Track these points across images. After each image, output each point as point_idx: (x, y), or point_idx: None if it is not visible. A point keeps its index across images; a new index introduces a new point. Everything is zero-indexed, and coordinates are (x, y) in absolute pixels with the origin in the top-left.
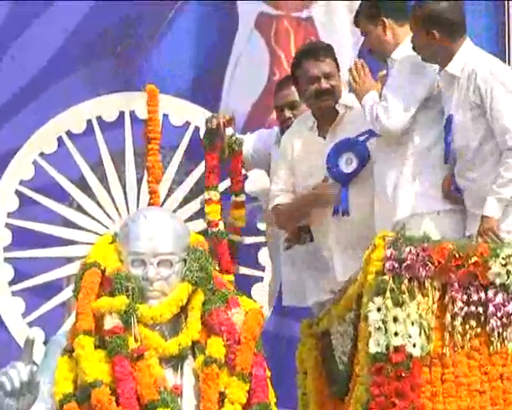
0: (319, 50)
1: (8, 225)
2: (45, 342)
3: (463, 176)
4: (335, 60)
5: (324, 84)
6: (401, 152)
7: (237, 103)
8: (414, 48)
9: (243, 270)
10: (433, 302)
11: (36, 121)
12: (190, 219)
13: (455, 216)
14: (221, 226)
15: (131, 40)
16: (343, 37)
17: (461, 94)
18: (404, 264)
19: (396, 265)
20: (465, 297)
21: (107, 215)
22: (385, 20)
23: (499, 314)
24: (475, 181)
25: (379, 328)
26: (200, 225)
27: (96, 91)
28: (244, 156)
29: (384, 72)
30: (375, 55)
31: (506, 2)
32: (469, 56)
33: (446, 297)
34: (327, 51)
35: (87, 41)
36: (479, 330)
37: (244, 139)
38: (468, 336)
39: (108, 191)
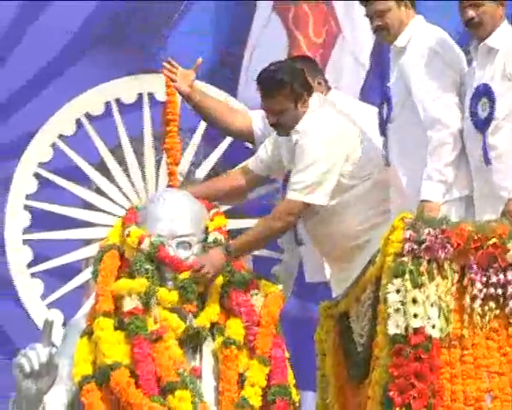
0: (267, 87)
1: (26, 207)
2: (64, 324)
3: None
4: (290, 92)
5: (271, 120)
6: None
7: (255, 85)
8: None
9: (262, 252)
10: (452, 284)
11: (54, 103)
12: None
13: (463, 204)
14: None
15: (149, 23)
16: (362, 20)
17: (498, 66)
18: (423, 246)
19: (415, 246)
20: (484, 279)
21: (126, 197)
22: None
23: None
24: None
25: (398, 310)
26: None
27: (115, 74)
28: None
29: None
30: (384, 36)
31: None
32: (508, 31)
33: (465, 279)
34: (276, 89)
35: (104, 24)
36: (497, 311)
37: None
38: (486, 317)
39: (127, 173)
